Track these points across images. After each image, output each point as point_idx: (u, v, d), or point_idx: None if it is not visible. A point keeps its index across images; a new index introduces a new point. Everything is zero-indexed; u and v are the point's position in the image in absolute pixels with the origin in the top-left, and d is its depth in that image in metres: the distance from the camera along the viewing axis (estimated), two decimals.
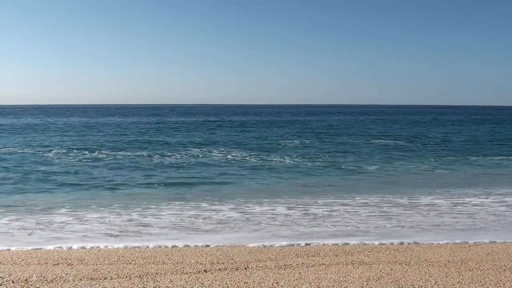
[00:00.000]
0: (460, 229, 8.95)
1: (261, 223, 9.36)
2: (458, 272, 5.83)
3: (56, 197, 12.05)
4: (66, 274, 5.62)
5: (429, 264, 6.20)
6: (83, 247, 7.48)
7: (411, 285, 5.33)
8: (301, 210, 10.45)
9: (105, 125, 50.45)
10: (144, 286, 5.26)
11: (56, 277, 5.50)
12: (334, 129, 44.01)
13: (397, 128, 46.39)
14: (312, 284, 5.35)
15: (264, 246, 7.47)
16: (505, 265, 6.15)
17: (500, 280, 5.55)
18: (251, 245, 7.55)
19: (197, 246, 7.51)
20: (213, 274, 5.71)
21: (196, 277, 5.59)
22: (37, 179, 14.82)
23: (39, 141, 29.61)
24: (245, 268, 5.99)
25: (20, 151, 23.18)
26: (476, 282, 5.44)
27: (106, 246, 7.55)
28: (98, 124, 51.47)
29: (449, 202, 11.35)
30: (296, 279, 5.52)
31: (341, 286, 5.30)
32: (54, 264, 6.11)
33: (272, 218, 9.75)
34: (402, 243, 7.76)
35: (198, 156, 21.73)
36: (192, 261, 6.35)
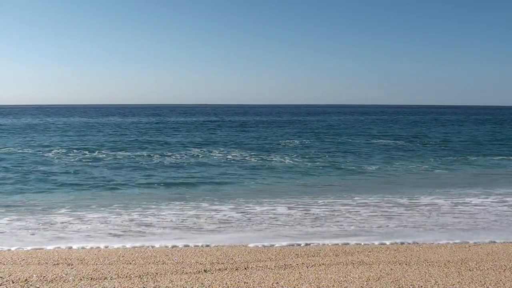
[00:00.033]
0: (463, 229, 8.95)
1: (264, 223, 9.37)
2: (458, 272, 5.83)
3: (56, 197, 12.05)
4: (66, 274, 5.62)
5: (429, 264, 6.20)
6: (87, 247, 7.48)
7: (411, 285, 5.33)
8: (302, 210, 10.45)
9: (105, 125, 50.45)
10: (144, 286, 5.26)
11: (56, 277, 5.50)
12: (334, 129, 44.01)
13: (397, 128, 46.39)
14: (312, 284, 5.35)
15: (264, 246, 7.47)
16: (505, 265, 6.15)
17: (500, 280, 5.55)
18: (251, 245, 7.55)
19: (203, 246, 7.50)
20: (213, 274, 5.71)
21: (196, 277, 5.59)
22: (37, 179, 14.82)
23: (39, 141, 29.61)
24: (245, 268, 5.99)
25: (20, 151, 23.19)
26: (476, 282, 5.44)
27: (106, 246, 7.55)
28: (98, 124, 51.47)
29: (450, 202, 11.35)
30: (296, 279, 5.52)
31: (341, 286, 5.30)
32: (54, 264, 6.11)
33: (274, 218, 9.75)
34: (402, 243, 7.76)
35: (198, 156, 21.73)
36: (192, 261, 6.35)
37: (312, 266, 6.10)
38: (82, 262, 6.23)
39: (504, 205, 11.09)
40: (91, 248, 7.45)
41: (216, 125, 51.30)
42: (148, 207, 10.76)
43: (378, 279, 5.52)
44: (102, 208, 10.56)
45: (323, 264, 6.20)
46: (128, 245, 7.59)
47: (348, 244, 7.66)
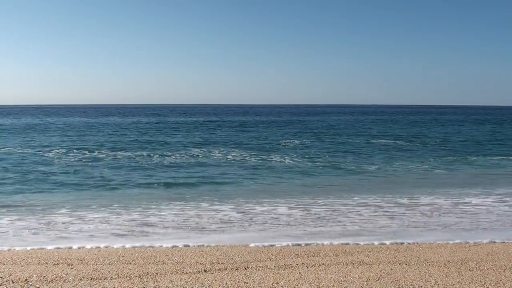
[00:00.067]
0: (465, 229, 8.96)
1: (266, 223, 9.38)
2: (458, 272, 5.83)
3: (56, 197, 12.05)
4: (66, 274, 5.62)
5: (429, 264, 6.20)
6: (92, 247, 7.47)
7: (411, 285, 5.33)
8: (303, 210, 10.46)
9: (105, 125, 50.44)
10: (144, 286, 5.26)
11: (56, 277, 5.50)
12: (334, 129, 44.01)
13: (397, 128, 46.39)
14: (312, 284, 5.35)
15: (264, 246, 7.47)
16: (505, 265, 6.15)
17: (500, 280, 5.55)
18: (253, 244, 7.55)
19: (207, 246, 7.50)
20: (213, 274, 5.71)
21: (196, 277, 5.59)
22: (37, 179, 14.82)
23: (39, 141, 29.61)
24: (245, 268, 5.99)
25: (20, 151, 23.18)
26: (476, 282, 5.44)
27: (107, 246, 7.55)
28: (98, 124, 51.47)
29: (450, 202, 11.35)
30: (296, 279, 5.52)
31: (341, 286, 5.30)
32: (54, 264, 6.11)
33: (276, 218, 9.76)
34: (402, 243, 7.76)
35: (198, 156, 21.73)
36: (192, 261, 6.35)
37: (312, 266, 6.10)
38: (82, 262, 6.23)
39: (505, 205, 11.09)
40: (94, 248, 7.45)
41: (216, 125, 51.29)
42: (148, 207, 10.76)
43: (378, 279, 5.52)
44: (102, 208, 10.56)
45: (323, 264, 6.20)
46: (131, 245, 7.58)
47: (348, 244, 7.66)
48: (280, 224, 9.25)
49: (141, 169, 17.29)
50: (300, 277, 5.60)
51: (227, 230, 8.86)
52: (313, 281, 5.43)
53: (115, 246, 7.54)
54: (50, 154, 21.72)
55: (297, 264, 6.17)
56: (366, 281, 5.43)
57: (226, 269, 5.94)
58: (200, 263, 6.22)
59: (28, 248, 7.41)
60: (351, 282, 5.42)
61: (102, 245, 7.59)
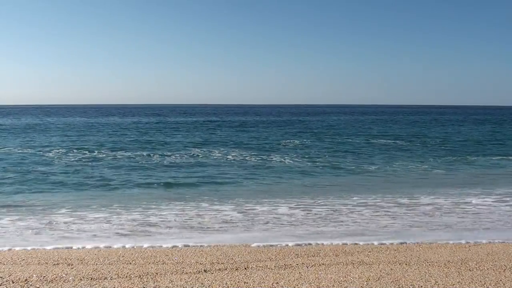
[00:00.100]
0: (468, 229, 8.97)
1: (269, 222, 9.38)
2: (458, 272, 5.83)
3: (57, 197, 12.06)
4: (66, 274, 5.62)
5: (429, 264, 6.20)
6: (92, 247, 7.47)
7: (411, 285, 5.33)
8: (304, 210, 10.46)
9: (105, 125, 50.45)
10: (144, 286, 5.26)
11: (56, 277, 5.50)
12: (334, 129, 44.01)
13: (397, 128, 46.39)
14: (312, 284, 5.35)
15: (264, 246, 7.47)
16: (505, 265, 6.15)
17: (500, 280, 5.55)
18: (253, 245, 7.55)
19: (212, 246, 7.50)
20: (213, 274, 5.71)
21: (196, 277, 5.59)
22: (37, 179, 14.82)
23: (39, 141, 29.61)
24: (245, 268, 5.99)
25: (20, 151, 23.19)
26: (476, 282, 5.44)
27: (108, 246, 7.55)
28: (98, 124, 51.47)
29: (451, 202, 11.35)
30: (296, 279, 5.52)
31: (341, 286, 5.30)
32: (54, 264, 6.11)
33: (278, 218, 9.76)
34: (402, 243, 7.75)
35: (198, 156, 21.73)
36: (192, 261, 6.35)
37: (312, 266, 6.10)
38: (82, 262, 6.23)
39: (506, 205, 11.09)
40: (95, 247, 7.45)
41: (216, 125, 51.29)
42: (148, 207, 10.76)
43: (378, 279, 5.52)
44: (102, 208, 10.57)
45: (323, 264, 6.20)
46: (136, 245, 7.58)
47: (348, 244, 7.65)
48: (282, 224, 9.26)
49: (141, 169, 17.29)
50: (300, 277, 5.60)
51: (230, 230, 8.87)
52: (313, 281, 5.43)
53: (120, 246, 7.53)
54: (50, 154, 21.72)
55: (297, 264, 6.17)
56: (366, 281, 5.43)
57: (226, 269, 5.94)
58: (200, 263, 6.22)
59: (29, 248, 7.41)
60: (351, 282, 5.42)
61: (106, 245, 7.59)
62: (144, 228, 8.94)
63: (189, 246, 7.50)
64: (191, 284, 5.33)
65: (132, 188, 13.52)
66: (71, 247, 7.48)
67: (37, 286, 5.24)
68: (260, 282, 5.41)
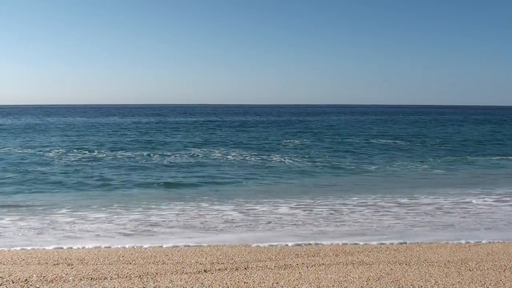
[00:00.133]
0: (470, 229, 8.97)
1: (271, 222, 9.38)
2: (458, 272, 5.83)
3: (57, 197, 12.06)
4: (66, 274, 5.62)
5: (429, 264, 6.20)
6: (94, 247, 7.47)
7: (411, 285, 5.33)
8: (305, 210, 10.46)
9: (105, 125, 50.45)
10: (144, 286, 5.26)
11: (56, 277, 5.50)
12: (334, 129, 44.01)
13: (397, 128, 46.39)
14: (312, 284, 5.35)
15: (264, 246, 7.47)
16: (505, 265, 6.15)
17: (500, 280, 5.55)
18: (254, 245, 7.55)
19: (209, 245, 7.50)
20: (213, 274, 5.71)
21: (196, 277, 5.59)
22: (37, 179, 14.82)
23: (39, 141, 29.61)
24: (245, 268, 5.99)
25: (20, 151, 23.18)
26: (476, 282, 5.44)
27: (108, 246, 7.55)
28: (98, 124, 51.47)
29: (451, 202, 11.35)
30: (296, 279, 5.52)
31: (341, 286, 5.30)
32: (54, 264, 6.11)
33: (280, 218, 9.76)
34: (402, 243, 7.75)
35: (198, 156, 21.73)
36: (192, 261, 6.35)
37: (312, 266, 6.10)
38: (82, 262, 6.23)
39: (507, 205, 11.09)
40: (96, 247, 7.45)
41: (216, 125, 51.29)
42: (149, 207, 10.76)
43: (378, 279, 5.52)
44: (103, 208, 10.57)
45: (323, 264, 6.20)
46: (140, 245, 7.58)
47: (347, 244, 7.65)
48: (285, 224, 9.26)
49: (141, 169, 17.29)
50: (300, 277, 5.60)
51: (233, 230, 8.87)
52: (313, 281, 5.43)
53: (124, 246, 7.53)
54: (50, 154, 21.72)
55: (297, 264, 6.17)
56: (366, 281, 5.43)
57: (226, 269, 5.94)
58: (200, 263, 6.22)
59: (29, 248, 7.41)
60: (351, 282, 5.42)
61: (109, 245, 7.59)
62: (147, 228, 8.94)
63: (194, 246, 7.49)
64: (191, 284, 5.33)
65: (132, 188, 13.52)
66: (75, 247, 7.48)
67: (37, 286, 5.24)
68: (260, 282, 5.41)
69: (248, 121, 62.20)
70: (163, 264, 6.20)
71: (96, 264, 6.14)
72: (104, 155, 21.71)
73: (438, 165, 18.98)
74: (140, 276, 5.60)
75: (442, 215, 10.07)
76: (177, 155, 21.83)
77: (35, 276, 5.51)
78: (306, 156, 21.55)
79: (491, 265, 6.15)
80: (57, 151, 23.17)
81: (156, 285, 5.27)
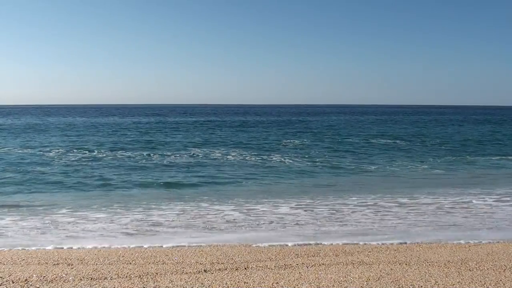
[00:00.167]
0: (471, 229, 8.98)
1: (273, 222, 9.39)
2: (458, 272, 5.83)
3: (57, 197, 12.06)
4: (66, 274, 5.62)
5: (429, 264, 6.20)
6: (102, 247, 7.47)
7: (411, 285, 5.33)
8: (306, 210, 10.46)
9: (105, 125, 50.44)
10: (144, 286, 5.26)
11: (56, 277, 5.50)
12: (334, 129, 44.00)
13: (397, 128, 46.39)
14: (312, 284, 5.35)
15: (264, 246, 7.47)
16: (505, 265, 6.15)
17: (500, 280, 5.55)
18: (254, 245, 7.55)
19: (209, 245, 7.50)
20: (213, 274, 5.71)
21: (196, 277, 5.59)
22: (37, 179, 14.82)
23: (39, 141, 29.61)
24: (245, 268, 5.99)
25: (20, 151, 23.18)
26: (476, 282, 5.44)
27: (110, 246, 7.55)
28: (98, 124, 51.47)
29: (451, 202, 11.35)
30: (296, 279, 5.52)
31: (341, 286, 5.30)
32: (54, 264, 6.11)
33: (281, 218, 9.76)
34: (402, 243, 7.75)
35: (198, 156, 21.73)
36: (192, 261, 6.35)
37: (312, 266, 6.10)
38: (82, 262, 6.23)
39: (508, 205, 11.09)
40: (95, 247, 7.45)
41: (216, 125, 51.29)
42: (149, 207, 10.76)
43: (378, 279, 5.52)
44: (103, 208, 10.57)
45: (323, 264, 6.20)
46: (145, 245, 7.59)
47: (347, 244, 7.66)
48: (287, 224, 9.26)
49: (141, 169, 17.29)
50: (300, 277, 5.60)
51: (237, 229, 8.87)
52: (313, 281, 5.43)
53: (128, 246, 7.53)
54: (50, 154, 21.72)
55: (297, 264, 6.17)
56: (366, 281, 5.43)
57: (226, 269, 5.94)
58: (200, 263, 6.22)
59: (32, 248, 7.41)
60: (351, 282, 5.42)
61: (114, 245, 7.61)
62: (150, 227, 8.95)
63: (195, 246, 7.49)
64: (191, 284, 5.33)
65: (132, 188, 13.52)
66: (80, 247, 7.48)
67: (37, 286, 5.24)
68: (260, 282, 5.41)
69: (248, 121, 62.20)
70: (163, 264, 6.20)
71: (96, 264, 6.14)
72: (104, 155, 21.70)
73: (438, 165, 18.98)
74: (140, 276, 5.60)
75: (443, 215, 10.07)
76: (177, 155, 21.83)
77: (35, 276, 5.51)
78: (306, 156, 21.55)
79: (491, 265, 6.15)
80: (57, 151, 23.17)
81: (156, 285, 5.27)
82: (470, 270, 5.92)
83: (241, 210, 10.46)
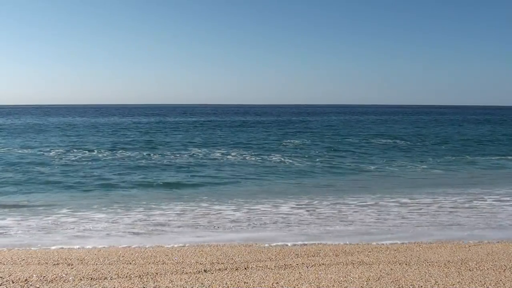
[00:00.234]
0: (471, 228, 8.97)
1: (276, 222, 9.39)
2: (458, 272, 5.83)
3: (57, 197, 12.05)
4: (66, 274, 5.62)
5: (429, 264, 6.20)
6: (110, 246, 7.47)
7: (411, 285, 5.33)
8: (307, 210, 10.46)
9: (105, 125, 50.44)
10: (144, 286, 5.26)
11: (56, 277, 5.50)
12: (334, 129, 44.01)
13: (397, 128, 46.39)
14: (312, 284, 5.35)
15: (264, 246, 7.47)
16: (505, 265, 6.15)
17: (500, 280, 5.55)
18: (254, 245, 7.55)
19: (209, 245, 7.51)
20: (213, 274, 5.71)
21: (196, 277, 5.59)
22: (37, 178, 14.82)
23: (39, 141, 29.61)
24: (245, 268, 5.99)
25: (20, 151, 23.18)
26: (476, 282, 5.44)
27: (113, 246, 7.55)
28: (98, 124, 51.47)
29: (452, 202, 11.35)
30: (296, 279, 5.52)
31: (341, 286, 5.30)
32: (54, 264, 6.11)
33: (283, 217, 9.76)
34: (402, 243, 7.76)
35: (198, 156, 21.73)
36: (192, 261, 6.36)
37: (312, 266, 6.10)
38: (82, 262, 6.23)
39: (507, 205, 11.08)
40: (93, 247, 7.45)
41: (216, 125, 51.29)
42: (149, 207, 10.76)
43: (378, 279, 5.52)
44: (103, 208, 10.57)
45: (323, 264, 6.20)
46: (149, 244, 7.60)
47: (347, 244, 7.66)
48: (291, 224, 9.26)
49: (141, 169, 17.29)
50: (300, 277, 5.60)
51: (240, 229, 8.87)
52: (313, 281, 5.43)
53: (134, 245, 7.53)
54: (50, 154, 21.72)
55: (297, 264, 6.17)
56: (366, 281, 5.43)
57: (226, 269, 5.95)
58: (200, 263, 6.22)
59: (35, 248, 7.41)
60: (351, 282, 5.42)
61: (120, 244, 7.64)
62: (155, 227, 8.95)
63: (195, 246, 7.49)
64: (191, 284, 5.33)
65: (132, 188, 13.52)
66: (86, 247, 7.48)
67: (37, 286, 5.24)
68: (260, 282, 5.41)
69: (248, 121, 62.20)
70: (163, 264, 6.20)
71: (96, 264, 6.14)
72: (104, 155, 21.70)
73: (438, 165, 18.98)
74: (140, 276, 5.60)
75: (443, 215, 10.07)
76: (177, 155, 21.83)
77: (35, 276, 5.51)
78: (306, 156, 21.55)
79: (491, 265, 6.15)
80: (57, 151, 23.17)
81: (156, 285, 5.27)
82: (470, 270, 5.92)
83: (241, 210, 10.46)
